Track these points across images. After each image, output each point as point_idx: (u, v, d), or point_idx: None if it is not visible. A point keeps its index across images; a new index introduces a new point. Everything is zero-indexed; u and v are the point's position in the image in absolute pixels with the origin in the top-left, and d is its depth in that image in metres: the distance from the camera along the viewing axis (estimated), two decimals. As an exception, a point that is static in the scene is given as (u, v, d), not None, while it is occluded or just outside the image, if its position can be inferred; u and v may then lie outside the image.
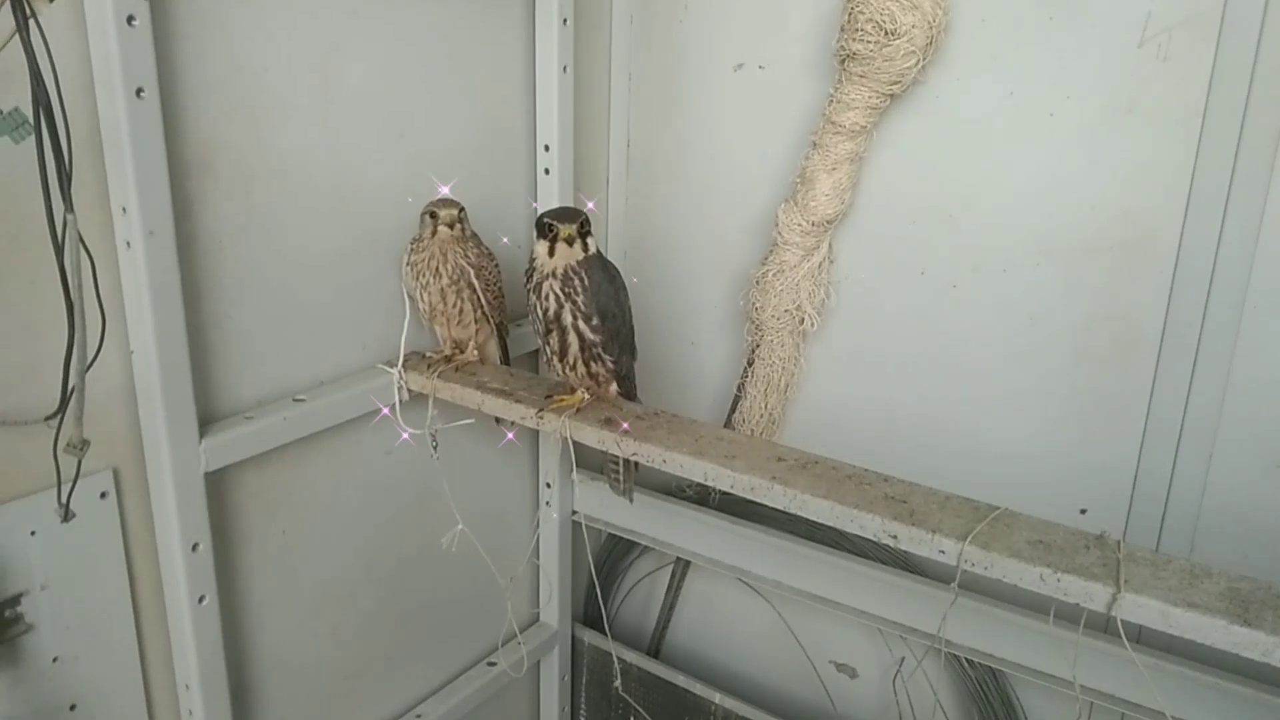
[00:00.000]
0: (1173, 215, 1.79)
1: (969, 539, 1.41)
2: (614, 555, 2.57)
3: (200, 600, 1.63)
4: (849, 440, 2.20)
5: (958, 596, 1.45)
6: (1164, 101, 1.76)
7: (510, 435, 2.22)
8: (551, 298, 1.67)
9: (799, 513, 1.55)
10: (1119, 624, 1.31)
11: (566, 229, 1.64)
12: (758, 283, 2.14)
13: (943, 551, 1.43)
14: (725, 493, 2.28)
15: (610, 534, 2.47)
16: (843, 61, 1.92)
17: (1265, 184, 1.70)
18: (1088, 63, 1.81)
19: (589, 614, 2.65)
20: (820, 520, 1.54)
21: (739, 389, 2.24)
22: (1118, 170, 1.83)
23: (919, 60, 1.86)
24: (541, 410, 1.76)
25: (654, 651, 2.56)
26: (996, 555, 1.39)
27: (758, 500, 1.58)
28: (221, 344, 1.63)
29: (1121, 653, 1.80)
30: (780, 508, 1.57)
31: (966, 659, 2.07)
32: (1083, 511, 1.97)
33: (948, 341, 2.06)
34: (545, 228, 1.66)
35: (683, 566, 2.50)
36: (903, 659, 2.23)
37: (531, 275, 1.70)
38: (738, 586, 2.41)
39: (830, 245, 2.12)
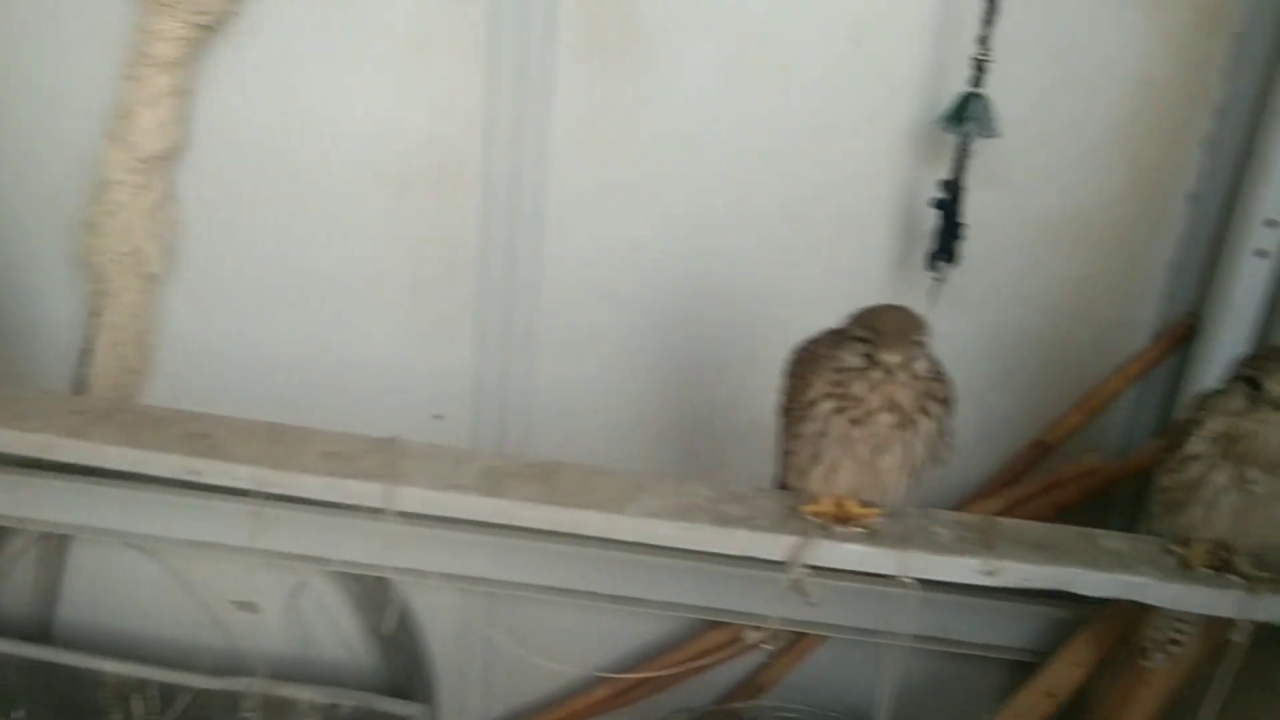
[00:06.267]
0: (474, 143, 1.97)
1: (262, 463, 1.47)
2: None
3: None
4: (224, 383, 2.15)
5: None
6: (457, 35, 1.90)
7: None
8: None
9: (99, 464, 1.52)
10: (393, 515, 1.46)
11: None
12: (88, 226, 2.00)
13: (240, 478, 1.48)
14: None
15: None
16: (145, -9, 1.83)
17: (544, 109, 1.92)
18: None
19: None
20: (123, 468, 1.51)
21: (86, 342, 2.09)
22: (428, 100, 1.96)
23: (228, -8, 1.83)
24: None
25: (42, 637, 2.36)
26: (289, 473, 1.47)
27: (52, 458, 1.51)
28: None
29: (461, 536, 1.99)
30: (80, 462, 1.52)
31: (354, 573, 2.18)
32: (438, 416, 2.15)
33: (301, 271, 2.09)
34: None
35: (58, 541, 2.31)
36: (302, 584, 2.29)
37: None
38: (125, 550, 2.29)
39: (170, 181, 2.04)
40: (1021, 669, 2.01)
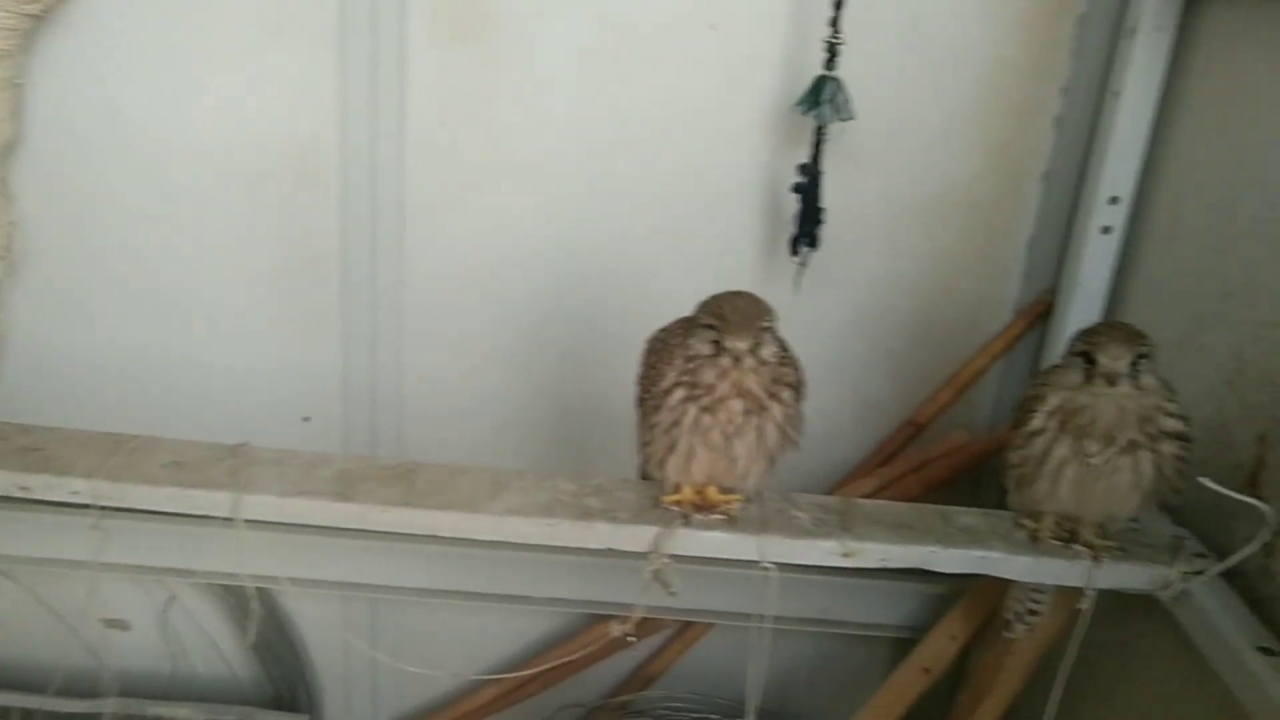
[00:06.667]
0: (331, 135, 1.91)
1: (98, 475, 1.40)
2: None
3: None
4: (75, 391, 2.05)
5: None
6: (309, 22, 1.84)
7: None
8: None
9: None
10: (242, 523, 1.40)
11: None
12: (-85, 230, 1.87)
13: (75, 492, 1.40)
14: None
15: None
16: (-46, -23, 1.71)
17: (400, 98, 1.87)
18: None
19: None
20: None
21: (-78, 353, 1.97)
22: (279, 87, 1.89)
23: (52, -22, 1.73)
24: None
25: (-108, 666, 2.22)
26: (128, 485, 1.40)
27: None
28: None
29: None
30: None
31: (224, 585, 2.10)
32: (306, 419, 2.08)
33: (153, 270, 2.00)
34: None
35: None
36: (171, 598, 2.20)
37: None
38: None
39: (3, 179, 1.92)
40: (906, 646, 2.04)
